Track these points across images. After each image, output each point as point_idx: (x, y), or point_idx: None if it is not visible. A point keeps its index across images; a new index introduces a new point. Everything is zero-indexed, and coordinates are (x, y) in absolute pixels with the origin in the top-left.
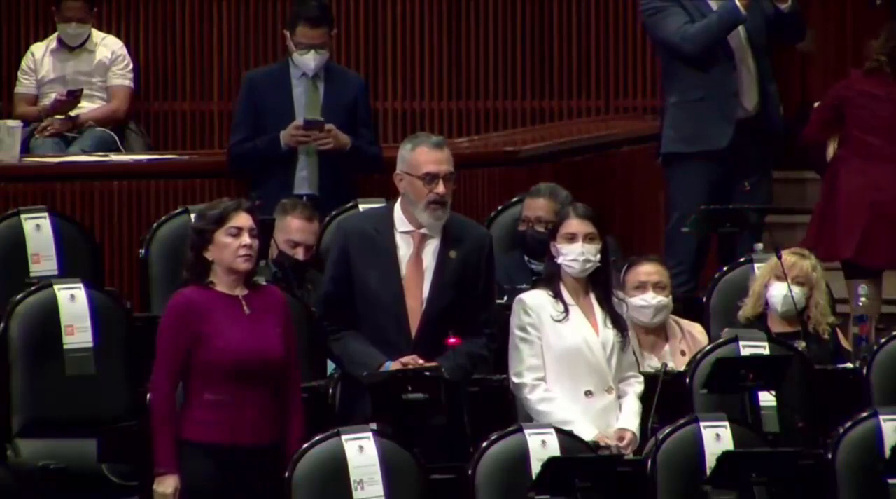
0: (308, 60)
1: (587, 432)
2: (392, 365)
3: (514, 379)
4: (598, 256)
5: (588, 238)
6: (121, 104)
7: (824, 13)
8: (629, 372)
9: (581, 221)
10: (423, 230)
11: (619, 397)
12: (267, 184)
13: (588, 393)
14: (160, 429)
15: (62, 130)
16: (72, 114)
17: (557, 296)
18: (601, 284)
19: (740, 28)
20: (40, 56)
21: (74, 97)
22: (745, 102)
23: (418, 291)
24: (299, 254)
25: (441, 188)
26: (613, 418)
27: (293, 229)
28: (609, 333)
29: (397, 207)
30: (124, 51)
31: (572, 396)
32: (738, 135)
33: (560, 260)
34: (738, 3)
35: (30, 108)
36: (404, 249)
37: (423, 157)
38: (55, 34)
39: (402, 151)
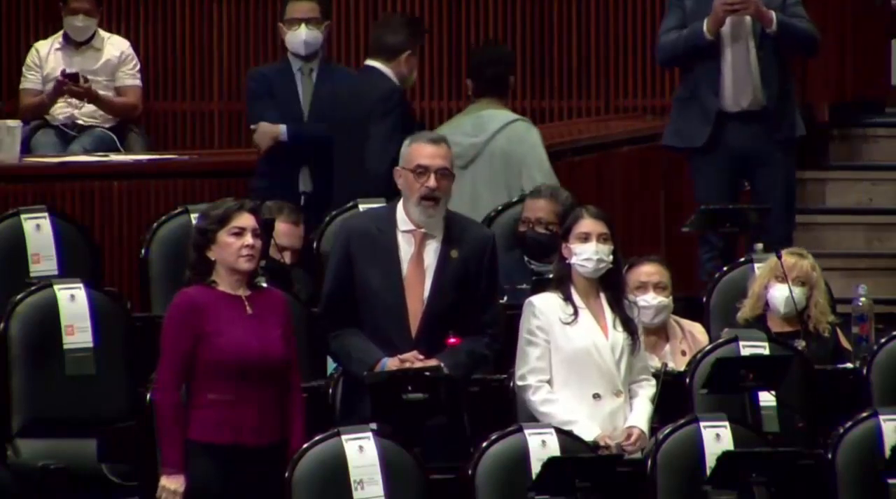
0: (299, 34)
1: (590, 433)
2: (389, 361)
3: (519, 381)
4: (611, 258)
5: (602, 238)
6: (137, 102)
7: (824, 13)
8: (642, 375)
9: (594, 221)
10: (424, 229)
11: (631, 397)
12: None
13: (596, 396)
14: (167, 429)
15: (77, 97)
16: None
17: (568, 298)
18: (612, 287)
19: (747, 22)
20: (45, 53)
21: (73, 79)
22: (739, 100)
23: (419, 291)
24: (286, 258)
25: (432, 182)
26: (622, 422)
27: (280, 234)
28: (619, 337)
29: (399, 207)
30: (132, 51)
31: (580, 399)
32: (738, 130)
33: (573, 260)
34: (704, 27)
35: (35, 98)
36: (406, 248)
37: (417, 151)
38: (59, 32)
39: (402, 147)
